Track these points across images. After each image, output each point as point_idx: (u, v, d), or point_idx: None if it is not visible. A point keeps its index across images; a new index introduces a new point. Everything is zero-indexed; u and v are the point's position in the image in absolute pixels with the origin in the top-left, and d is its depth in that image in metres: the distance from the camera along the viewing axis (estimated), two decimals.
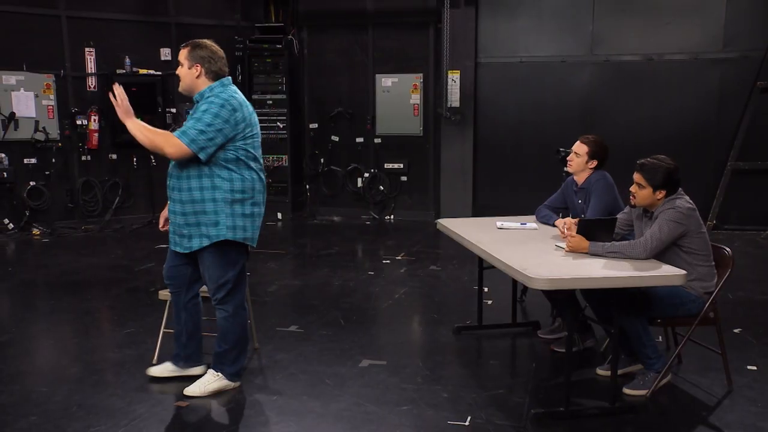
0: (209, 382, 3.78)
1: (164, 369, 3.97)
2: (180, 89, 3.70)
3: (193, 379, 3.84)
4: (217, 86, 3.60)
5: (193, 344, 3.94)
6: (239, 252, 3.68)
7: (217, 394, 3.76)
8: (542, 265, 3.48)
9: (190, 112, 3.61)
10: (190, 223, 3.58)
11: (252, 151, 3.62)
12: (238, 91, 3.67)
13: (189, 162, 3.52)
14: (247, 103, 3.66)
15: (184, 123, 3.58)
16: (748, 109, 8.44)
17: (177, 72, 3.67)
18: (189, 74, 3.60)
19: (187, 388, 3.75)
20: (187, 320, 3.87)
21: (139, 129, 3.53)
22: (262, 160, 3.73)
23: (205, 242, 3.57)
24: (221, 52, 3.66)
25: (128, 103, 3.55)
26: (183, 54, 3.62)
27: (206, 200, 3.54)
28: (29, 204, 8.61)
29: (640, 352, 3.79)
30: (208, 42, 3.65)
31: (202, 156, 3.46)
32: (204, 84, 3.60)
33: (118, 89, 3.52)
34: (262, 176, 3.72)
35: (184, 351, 3.93)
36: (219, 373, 3.80)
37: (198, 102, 3.62)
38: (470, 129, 9.37)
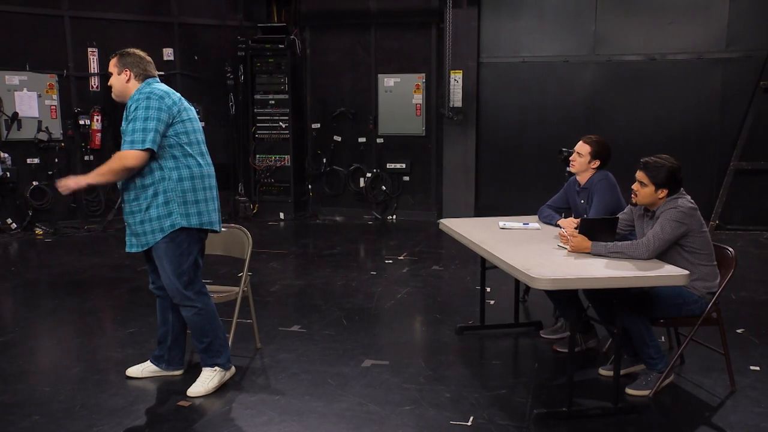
0: (209, 379, 3.81)
1: (144, 369, 4.01)
2: (113, 96, 3.79)
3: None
4: (143, 86, 3.69)
5: (177, 348, 3.99)
6: (192, 240, 3.69)
7: (220, 388, 3.80)
8: (545, 265, 3.48)
9: (123, 116, 3.67)
10: (144, 220, 3.62)
11: (193, 135, 3.69)
12: (163, 85, 3.76)
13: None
14: (173, 91, 3.74)
15: (121, 129, 3.65)
16: (751, 109, 8.44)
17: (109, 82, 3.76)
18: (119, 80, 3.72)
19: (189, 390, 3.76)
20: (175, 322, 3.91)
21: (99, 176, 3.59)
22: (205, 147, 3.79)
23: (159, 236, 3.62)
24: (148, 57, 3.79)
25: (74, 181, 3.62)
26: (112, 63, 3.74)
27: (158, 193, 3.59)
28: (32, 204, 8.63)
29: (642, 352, 3.79)
30: (135, 50, 3.78)
31: (155, 148, 3.53)
32: (134, 87, 3.71)
33: (65, 186, 3.62)
34: (209, 160, 3.78)
35: (169, 354, 3.98)
36: (214, 368, 3.83)
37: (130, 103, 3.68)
38: (472, 129, 9.37)
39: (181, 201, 3.62)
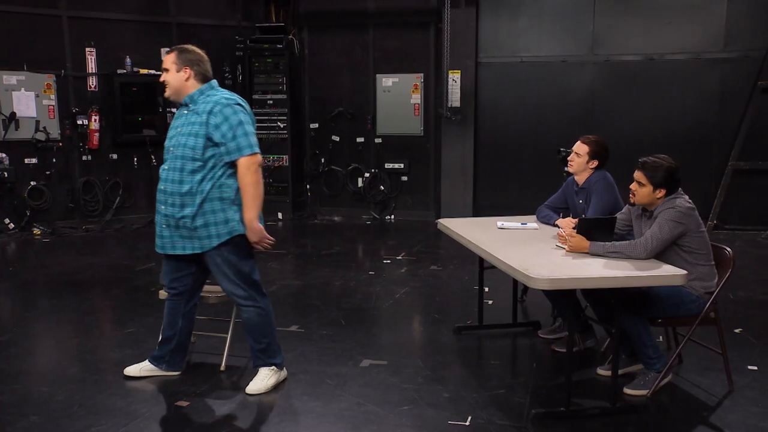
0: (267, 377, 3.84)
1: (142, 369, 4.00)
2: (167, 94, 3.72)
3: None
4: (206, 88, 3.66)
5: (181, 351, 3.99)
6: (248, 243, 3.67)
7: (217, 388, 3.79)
8: (543, 264, 3.48)
9: (182, 116, 3.64)
10: (208, 223, 3.58)
11: None
12: (226, 90, 3.76)
13: (194, 164, 3.55)
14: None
15: (171, 133, 3.64)
16: (749, 109, 8.44)
17: (163, 78, 3.69)
18: (177, 78, 3.64)
19: (248, 388, 3.78)
20: (183, 328, 3.91)
21: (254, 202, 3.56)
22: None
23: (216, 241, 3.59)
24: (206, 56, 3.74)
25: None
26: (170, 59, 3.66)
27: (214, 199, 3.57)
28: (30, 204, 8.61)
29: (640, 352, 3.79)
30: (194, 47, 3.72)
31: (259, 151, 3.59)
32: (193, 87, 3.65)
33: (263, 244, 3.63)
34: None
35: (170, 356, 3.97)
36: (272, 368, 3.86)
37: (188, 105, 3.65)
38: (471, 129, 9.37)
39: (238, 207, 3.60)
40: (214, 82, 3.73)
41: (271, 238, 3.66)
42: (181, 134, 3.61)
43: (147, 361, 4.02)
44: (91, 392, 3.80)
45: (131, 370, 4.00)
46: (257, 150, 3.58)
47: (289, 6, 9.96)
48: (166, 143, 3.72)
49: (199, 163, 3.56)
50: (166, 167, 3.66)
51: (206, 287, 4.05)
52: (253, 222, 3.57)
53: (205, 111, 3.57)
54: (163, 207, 3.65)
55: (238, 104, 3.62)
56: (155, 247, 3.78)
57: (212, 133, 3.54)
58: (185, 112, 3.68)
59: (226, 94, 3.67)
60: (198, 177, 3.57)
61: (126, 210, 9.26)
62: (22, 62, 8.46)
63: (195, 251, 3.64)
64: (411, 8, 9.50)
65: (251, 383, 3.81)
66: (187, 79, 3.64)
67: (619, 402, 3.62)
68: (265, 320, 3.78)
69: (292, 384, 3.93)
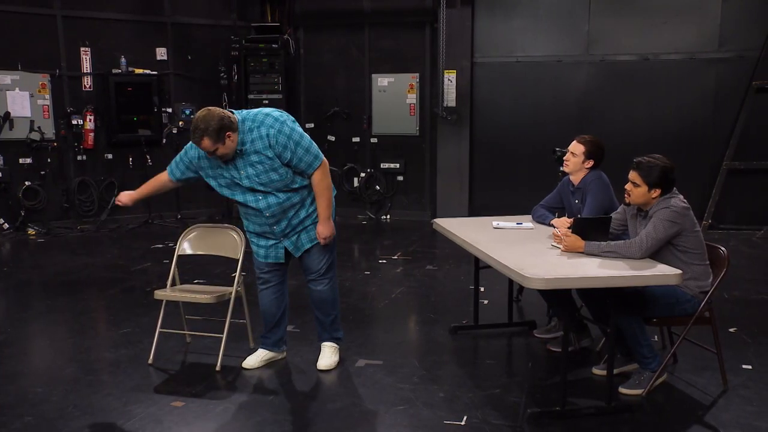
0: (334, 352, 4.19)
1: (261, 359, 4.17)
2: (229, 157, 3.73)
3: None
4: (242, 127, 3.70)
5: (284, 328, 4.25)
6: None
7: (214, 387, 3.77)
8: (538, 264, 3.48)
9: (239, 159, 3.74)
10: (305, 226, 3.93)
11: None
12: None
13: (290, 186, 3.81)
14: None
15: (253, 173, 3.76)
16: (743, 109, 8.46)
17: (219, 154, 3.67)
18: (230, 145, 3.67)
19: (320, 364, 4.10)
20: (286, 305, 4.18)
21: (326, 204, 3.88)
22: None
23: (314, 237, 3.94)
24: (216, 110, 3.69)
25: (328, 230, 3.94)
26: (208, 144, 3.61)
27: (306, 205, 3.90)
28: (25, 204, 8.59)
29: (636, 351, 3.80)
30: (203, 114, 3.64)
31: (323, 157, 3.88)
32: (237, 134, 3.68)
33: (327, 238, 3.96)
34: None
35: (284, 334, 4.25)
36: (335, 343, 4.21)
37: (245, 147, 3.70)
38: (466, 129, 9.37)
39: (314, 210, 3.94)
40: (237, 114, 3.74)
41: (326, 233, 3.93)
42: (259, 174, 3.73)
43: (261, 350, 4.19)
44: (86, 393, 3.79)
45: (250, 362, 4.15)
46: (322, 157, 3.84)
47: (285, 5, 9.95)
48: (236, 181, 3.80)
49: (292, 182, 3.81)
50: (260, 198, 3.80)
51: (204, 287, 4.05)
52: (329, 219, 3.89)
53: (266, 147, 3.68)
54: (275, 227, 3.89)
55: (284, 124, 3.72)
56: (259, 257, 4.02)
57: (281, 159, 3.72)
58: (238, 156, 3.73)
59: (266, 120, 3.71)
60: (299, 186, 3.84)
61: (121, 210, 9.20)
62: (16, 62, 8.43)
63: (314, 241, 3.94)
64: (407, 8, 9.50)
65: (321, 360, 4.13)
66: (234, 139, 3.67)
67: (615, 401, 3.63)
68: (336, 291, 4.13)
69: (288, 384, 3.93)
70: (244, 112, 3.80)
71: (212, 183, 3.87)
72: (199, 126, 3.59)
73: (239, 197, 3.84)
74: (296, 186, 3.82)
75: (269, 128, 3.68)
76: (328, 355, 4.15)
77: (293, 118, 3.85)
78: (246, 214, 3.95)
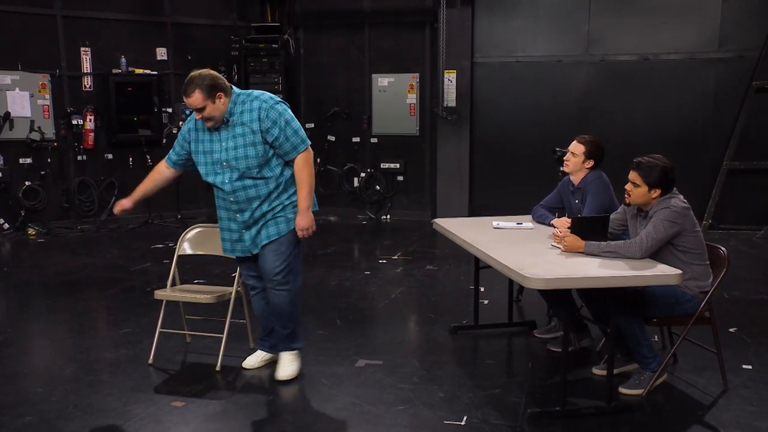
0: (292, 361, 3.99)
1: (260, 359, 4.15)
2: (212, 126, 3.72)
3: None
4: (235, 97, 3.71)
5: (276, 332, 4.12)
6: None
7: (213, 387, 3.78)
8: (538, 264, 3.48)
9: (225, 130, 3.71)
10: (266, 221, 3.79)
11: None
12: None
13: (262, 168, 3.71)
14: None
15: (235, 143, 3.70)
16: (743, 109, 8.46)
17: (206, 114, 3.66)
18: (219, 107, 3.66)
19: (280, 375, 3.94)
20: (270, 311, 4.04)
21: (308, 191, 3.77)
22: None
23: (287, 227, 3.80)
24: (210, 70, 3.72)
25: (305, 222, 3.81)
26: (198, 98, 3.60)
27: (271, 199, 3.77)
28: (25, 204, 8.59)
29: (636, 351, 3.80)
30: (199, 72, 3.67)
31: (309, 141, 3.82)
32: (227, 103, 3.68)
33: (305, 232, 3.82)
34: None
35: (276, 338, 4.09)
36: (295, 352, 4.01)
37: (232, 117, 3.69)
38: (466, 129, 9.37)
39: (292, 202, 3.83)
40: (234, 88, 3.76)
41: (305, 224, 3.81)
42: (237, 147, 3.68)
43: (260, 351, 4.17)
44: (86, 393, 3.79)
45: (250, 363, 4.13)
46: (309, 143, 3.79)
47: (285, 5, 9.95)
48: (215, 157, 3.75)
49: (265, 166, 3.72)
50: (227, 180, 3.72)
51: (204, 287, 4.05)
52: (309, 210, 3.78)
53: (253, 119, 3.66)
54: (238, 215, 3.79)
55: (279, 103, 3.74)
56: (226, 252, 3.95)
57: (265, 136, 3.67)
58: (224, 125, 3.72)
59: (262, 96, 3.73)
60: (269, 175, 3.74)
61: None
62: (16, 62, 8.43)
63: (281, 234, 3.78)
64: (407, 8, 9.50)
65: (280, 370, 3.96)
66: (224, 102, 3.66)
67: (615, 401, 3.62)
68: (295, 300, 3.91)
69: (288, 384, 3.93)
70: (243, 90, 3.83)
71: (200, 166, 3.84)
72: (194, 79, 3.63)
73: (212, 178, 3.79)
74: (267, 175, 3.73)
75: (262, 102, 3.69)
76: (285, 365, 3.98)
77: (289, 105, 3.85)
78: (217, 200, 3.91)
